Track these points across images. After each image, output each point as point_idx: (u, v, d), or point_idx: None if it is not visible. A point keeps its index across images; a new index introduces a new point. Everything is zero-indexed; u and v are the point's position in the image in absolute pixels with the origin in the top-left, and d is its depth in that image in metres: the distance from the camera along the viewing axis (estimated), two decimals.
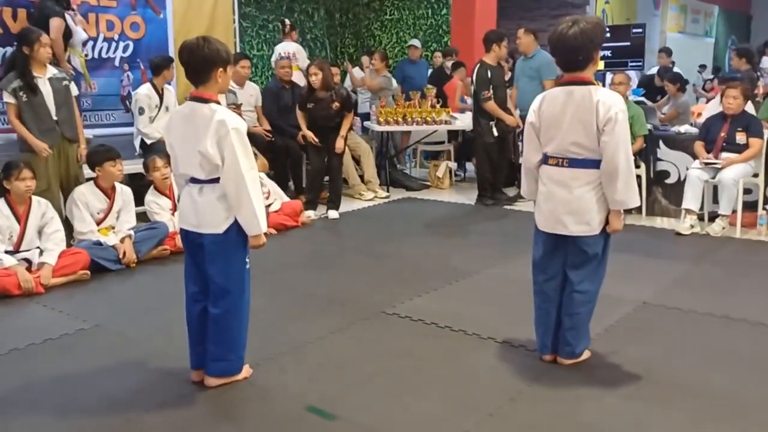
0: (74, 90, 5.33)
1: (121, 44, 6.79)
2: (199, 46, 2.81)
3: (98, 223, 4.94)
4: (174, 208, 5.27)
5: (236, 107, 6.51)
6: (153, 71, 6.14)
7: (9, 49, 5.72)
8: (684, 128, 6.49)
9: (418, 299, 4.12)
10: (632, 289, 4.19)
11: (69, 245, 4.75)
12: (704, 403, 2.84)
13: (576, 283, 3.07)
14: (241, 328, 3.00)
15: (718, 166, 5.65)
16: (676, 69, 9.69)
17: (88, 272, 4.57)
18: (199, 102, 2.85)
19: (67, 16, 5.94)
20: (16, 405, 2.90)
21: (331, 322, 3.75)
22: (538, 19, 11.05)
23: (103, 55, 6.69)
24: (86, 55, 6.43)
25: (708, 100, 8.84)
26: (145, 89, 6.08)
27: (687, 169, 5.87)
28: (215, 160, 2.79)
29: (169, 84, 6.33)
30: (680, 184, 6.04)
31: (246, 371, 3.08)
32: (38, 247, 4.51)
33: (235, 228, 2.86)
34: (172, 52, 6.81)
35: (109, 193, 5.00)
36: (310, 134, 6.44)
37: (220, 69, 2.85)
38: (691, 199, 5.64)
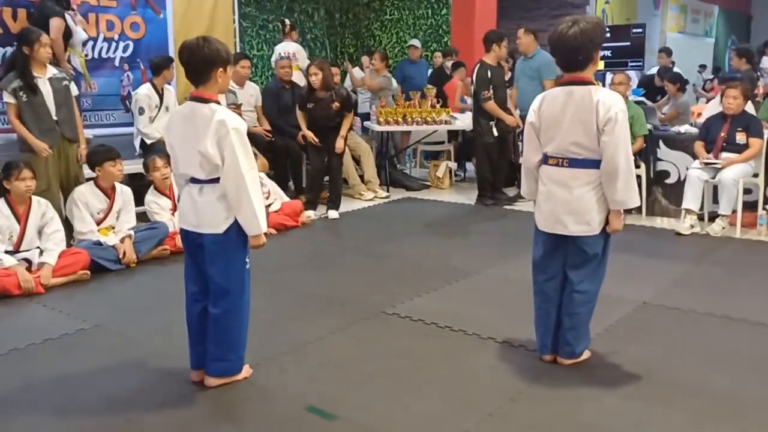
0: (74, 90, 5.34)
1: (121, 44, 6.79)
2: (199, 46, 2.81)
3: (98, 223, 4.94)
4: (174, 208, 5.27)
5: (236, 107, 6.52)
6: (153, 71, 6.14)
7: (9, 49, 5.72)
8: (684, 128, 6.49)
9: (418, 299, 4.12)
10: (632, 289, 4.19)
11: (69, 245, 4.75)
12: (704, 403, 2.84)
13: (576, 283, 3.07)
14: (241, 328, 3.00)
15: (718, 166, 5.65)
16: (676, 69, 9.69)
17: (88, 272, 4.57)
18: (199, 102, 2.86)
19: (67, 16, 5.94)
20: (16, 405, 2.90)
21: (331, 322, 3.75)
22: (538, 19, 11.05)
23: (103, 55, 6.69)
24: (86, 55, 6.43)
25: (708, 100, 8.84)
26: (145, 89, 6.08)
27: (687, 169, 5.87)
28: (215, 160, 2.79)
29: (169, 84, 6.33)
30: (680, 184, 6.04)
31: (246, 371, 3.08)
32: (38, 247, 4.51)
33: (235, 228, 2.86)
34: (172, 52, 6.81)
35: (109, 193, 5.00)
36: (310, 134, 6.44)
37: (220, 69, 2.85)
38: (691, 199, 5.64)
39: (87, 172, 5.23)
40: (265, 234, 2.93)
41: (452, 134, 8.60)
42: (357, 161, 7.51)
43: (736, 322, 3.71)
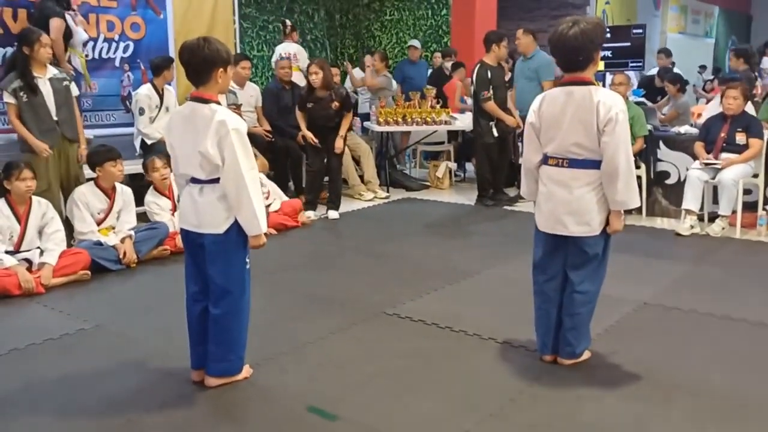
0: (74, 90, 5.34)
1: (122, 45, 6.79)
2: (199, 47, 2.81)
3: (99, 224, 4.94)
4: (174, 209, 5.28)
5: (236, 108, 6.52)
6: (153, 72, 6.14)
7: (9, 50, 5.72)
8: (684, 129, 6.49)
9: (419, 300, 4.12)
10: (632, 289, 4.19)
11: (69, 245, 4.75)
12: (704, 403, 2.84)
13: (576, 284, 3.07)
14: (242, 328, 3.00)
15: (718, 166, 5.65)
16: (676, 69, 9.69)
17: (89, 272, 4.57)
18: (199, 102, 2.86)
19: (68, 17, 5.94)
20: (16, 405, 2.90)
21: (331, 322, 3.75)
22: (538, 20, 11.05)
23: (104, 56, 6.68)
24: (86, 56, 6.43)
25: (708, 101, 8.84)
26: (146, 89, 6.09)
27: (687, 169, 5.87)
28: (215, 160, 2.80)
29: (170, 84, 6.33)
30: (680, 184, 6.04)
31: (246, 371, 3.08)
32: (38, 247, 4.51)
33: (236, 228, 2.87)
34: (173, 52, 6.81)
35: (110, 194, 5.00)
36: (309, 134, 6.44)
37: (221, 69, 2.85)
38: (691, 200, 5.64)
39: (87, 172, 5.24)
40: (266, 234, 2.93)
41: (452, 134, 8.60)
42: (357, 161, 7.52)
43: (736, 323, 3.71)
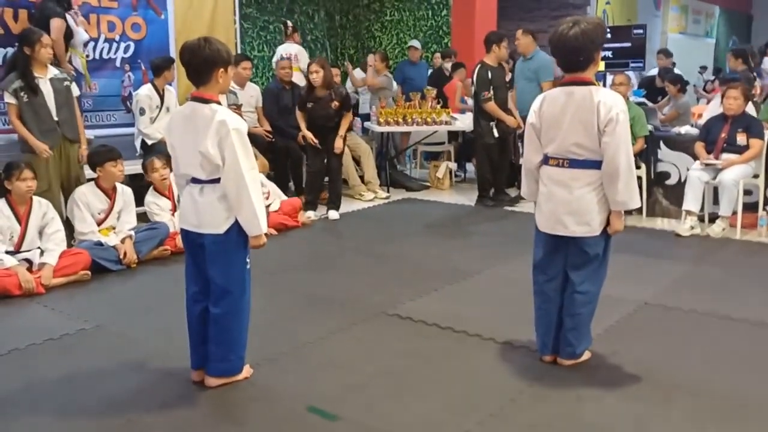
0: (75, 90, 5.34)
1: (122, 45, 6.79)
2: (200, 47, 2.82)
3: (99, 224, 4.94)
4: (174, 209, 5.28)
5: (237, 108, 6.52)
6: (154, 72, 6.15)
7: (10, 50, 5.72)
8: (684, 129, 6.49)
9: (419, 300, 4.12)
10: (633, 289, 4.19)
11: (70, 246, 4.75)
12: (704, 403, 2.84)
13: (577, 284, 3.07)
14: (242, 328, 3.01)
15: (719, 167, 5.65)
16: (676, 70, 9.69)
17: (89, 272, 4.58)
18: (199, 102, 2.86)
19: (68, 17, 5.94)
20: (16, 405, 2.90)
21: (331, 322, 3.75)
22: (538, 20, 11.05)
23: (104, 56, 6.68)
24: (87, 56, 6.43)
25: (708, 101, 8.84)
26: (146, 90, 6.09)
27: (687, 170, 5.87)
28: (216, 160, 2.80)
29: (170, 85, 6.33)
30: (681, 185, 6.04)
31: (247, 371, 3.08)
32: (39, 248, 4.51)
33: (236, 228, 2.87)
34: (173, 52, 6.81)
35: (110, 194, 5.01)
36: (309, 135, 6.44)
37: (221, 69, 2.86)
38: (691, 200, 5.64)
39: (88, 172, 5.24)
40: (266, 234, 2.94)
41: (452, 135, 8.60)
42: (357, 162, 7.52)
43: (736, 323, 3.71)
